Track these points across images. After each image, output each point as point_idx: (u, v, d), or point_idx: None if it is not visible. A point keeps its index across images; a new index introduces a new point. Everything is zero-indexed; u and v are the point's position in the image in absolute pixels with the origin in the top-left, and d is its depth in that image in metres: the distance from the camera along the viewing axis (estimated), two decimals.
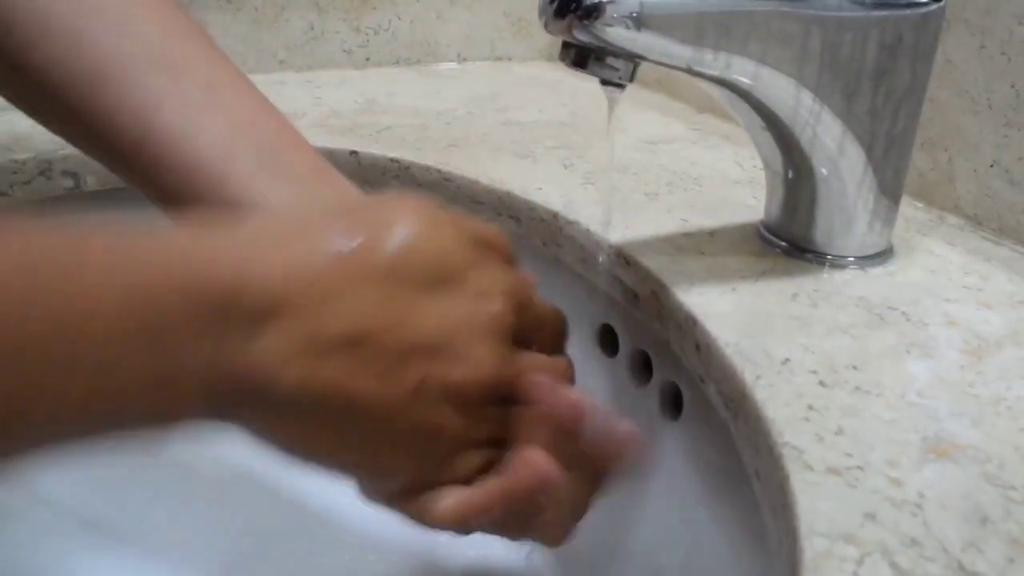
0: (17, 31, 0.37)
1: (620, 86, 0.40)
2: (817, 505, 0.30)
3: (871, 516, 0.30)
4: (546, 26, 0.38)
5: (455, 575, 0.54)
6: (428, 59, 0.86)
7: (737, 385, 0.37)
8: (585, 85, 0.78)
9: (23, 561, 0.52)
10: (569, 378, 0.37)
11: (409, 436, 0.31)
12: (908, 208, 0.54)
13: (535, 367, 0.34)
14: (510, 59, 0.89)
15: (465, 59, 0.87)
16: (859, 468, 0.32)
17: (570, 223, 0.51)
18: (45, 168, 0.58)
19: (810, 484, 0.31)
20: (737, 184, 0.57)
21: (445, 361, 0.30)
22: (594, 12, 0.37)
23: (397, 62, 0.85)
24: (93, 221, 0.26)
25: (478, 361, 0.31)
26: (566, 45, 0.39)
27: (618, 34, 0.38)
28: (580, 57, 0.39)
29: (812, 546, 0.28)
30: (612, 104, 0.41)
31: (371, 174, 0.61)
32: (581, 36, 0.38)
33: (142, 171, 0.37)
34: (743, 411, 0.36)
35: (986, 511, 0.30)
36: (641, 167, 0.59)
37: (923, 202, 0.55)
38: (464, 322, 0.31)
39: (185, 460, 0.48)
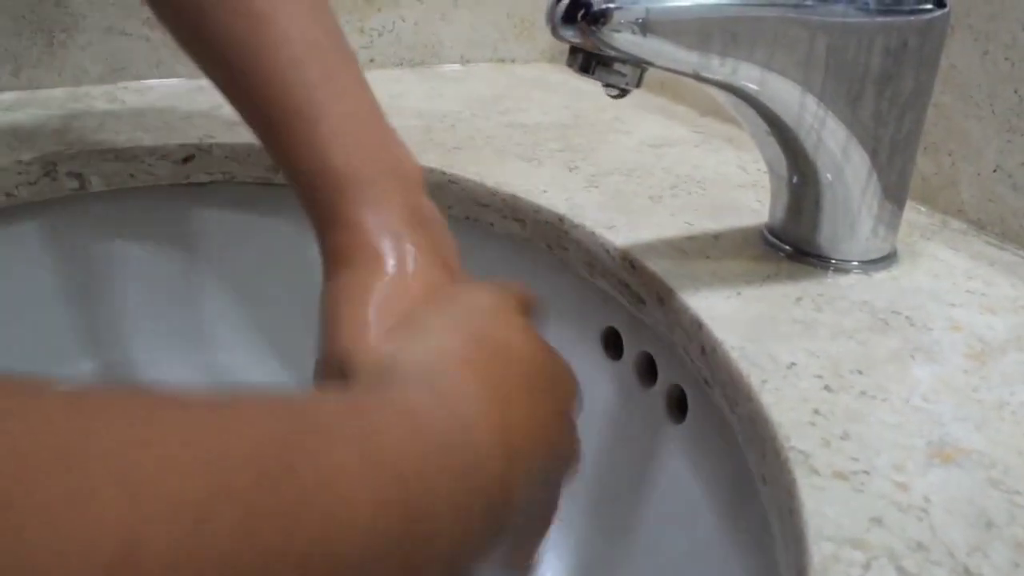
0: None
1: (626, 91, 0.40)
2: (823, 509, 0.30)
3: (877, 520, 0.30)
4: (553, 32, 0.38)
5: None
6: (432, 60, 0.87)
7: (743, 389, 0.37)
8: (588, 87, 0.79)
9: None
10: None
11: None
12: (912, 212, 0.54)
13: None
14: (513, 61, 0.89)
15: (468, 61, 0.88)
16: (865, 472, 0.32)
17: (576, 226, 0.51)
18: (50, 169, 0.58)
19: (816, 488, 0.31)
20: (741, 188, 0.57)
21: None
22: (601, 18, 0.38)
23: (401, 63, 0.85)
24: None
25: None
26: (573, 51, 0.40)
27: (625, 40, 0.38)
28: (587, 63, 0.40)
29: (819, 551, 0.29)
30: None
31: None
32: (588, 42, 0.38)
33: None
34: (749, 415, 0.37)
35: (991, 515, 0.31)
36: (645, 170, 0.59)
37: (927, 206, 0.56)
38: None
39: None
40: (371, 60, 0.84)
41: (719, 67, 0.40)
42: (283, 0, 0.41)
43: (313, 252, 0.40)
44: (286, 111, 0.39)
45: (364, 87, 0.42)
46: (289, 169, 0.40)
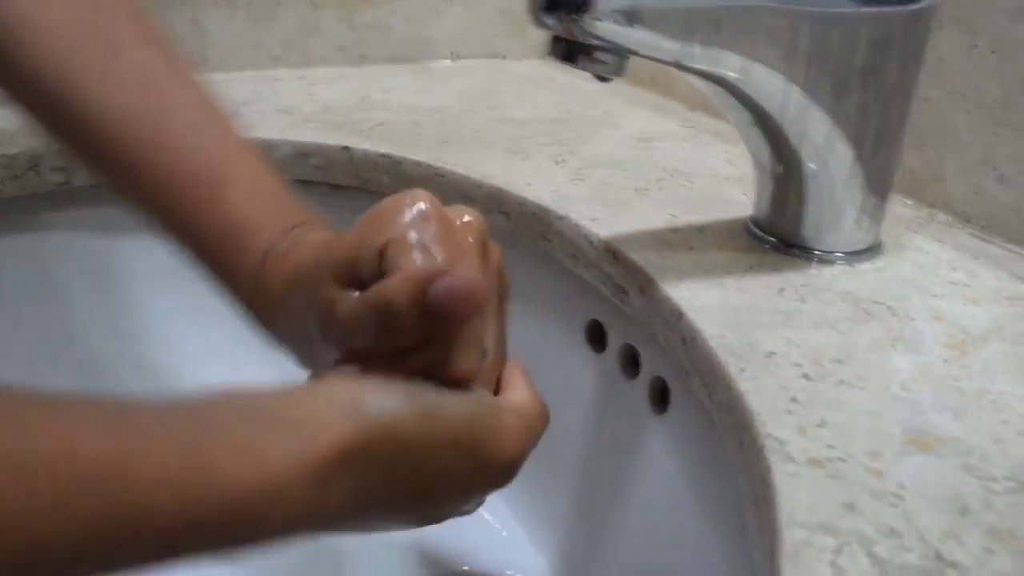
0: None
1: (607, 80, 0.40)
2: (797, 496, 0.30)
3: (850, 507, 0.30)
4: (534, 20, 0.38)
5: None
6: (423, 56, 0.87)
7: (721, 378, 0.37)
8: (578, 83, 0.79)
9: None
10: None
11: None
12: (898, 205, 0.54)
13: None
14: (504, 56, 0.89)
15: (460, 56, 0.88)
16: (841, 460, 0.32)
17: (560, 218, 0.51)
18: (35, 163, 0.58)
19: (791, 475, 0.31)
20: (728, 181, 0.57)
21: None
22: (583, 7, 0.38)
23: (392, 59, 0.86)
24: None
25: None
26: (556, 39, 0.40)
27: (607, 28, 0.38)
28: (569, 52, 0.40)
29: (791, 536, 0.29)
30: None
31: (363, 169, 0.61)
32: (569, 30, 0.38)
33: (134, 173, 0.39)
34: (727, 403, 0.37)
35: (966, 501, 0.31)
36: (633, 163, 0.59)
37: (913, 199, 0.56)
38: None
39: None
40: (362, 56, 0.84)
41: (701, 56, 0.40)
42: (162, 76, 0.40)
43: None
44: (185, 182, 0.38)
45: (250, 146, 0.41)
46: (190, 234, 0.39)
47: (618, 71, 0.40)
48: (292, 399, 0.30)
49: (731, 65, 0.41)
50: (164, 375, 0.65)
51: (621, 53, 0.40)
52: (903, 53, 0.44)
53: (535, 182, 0.55)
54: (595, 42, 0.39)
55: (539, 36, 0.78)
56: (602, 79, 0.40)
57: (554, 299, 0.54)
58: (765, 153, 0.46)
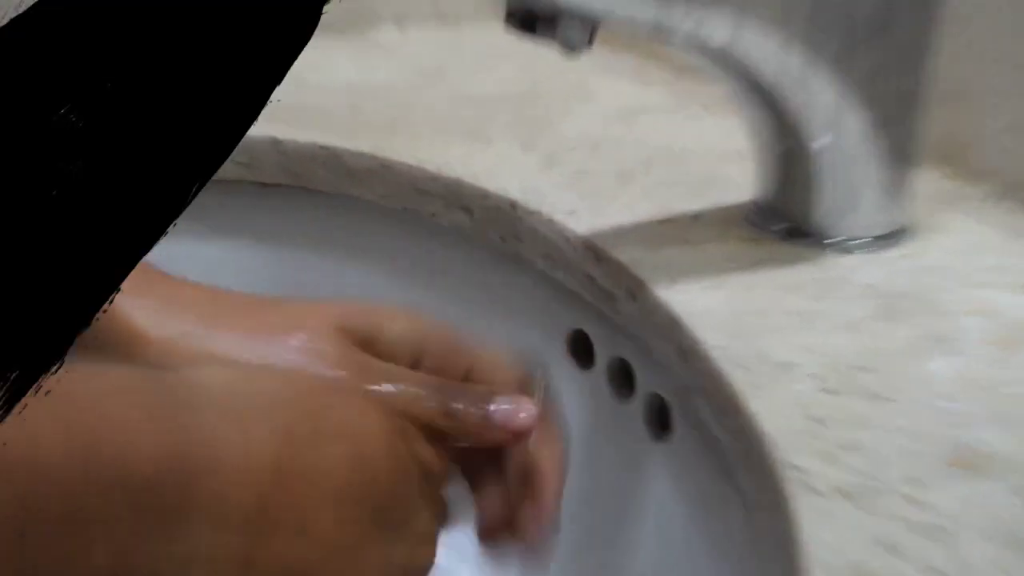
0: None
1: (576, 52, 0.40)
2: (824, 535, 0.30)
3: (888, 545, 0.30)
4: None
5: None
6: (363, 25, 0.86)
7: (728, 396, 0.37)
8: (546, 49, 0.78)
9: None
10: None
11: None
12: (927, 179, 0.54)
13: None
14: (457, 19, 0.88)
15: (405, 21, 0.87)
16: (873, 489, 0.32)
17: (531, 213, 0.51)
18: None
19: (816, 510, 0.31)
20: (725, 159, 0.57)
21: None
22: None
23: (328, 30, 0.84)
24: None
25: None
26: (512, 5, 0.39)
27: None
28: (529, 19, 0.39)
29: None
30: None
31: (296, 164, 0.61)
32: None
33: None
34: (736, 426, 0.36)
35: (1020, 533, 0.30)
36: (614, 144, 0.59)
37: (944, 171, 0.55)
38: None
39: None
40: None
41: (684, 18, 0.40)
42: None
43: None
44: None
45: None
46: None
47: (587, 41, 0.40)
48: None
49: (719, 27, 0.40)
50: None
51: (589, 20, 0.39)
52: (916, 3, 0.44)
53: (500, 172, 0.55)
54: (561, 5, 0.38)
55: None
56: (569, 52, 0.40)
57: (528, 308, 0.54)
58: (765, 128, 0.46)
